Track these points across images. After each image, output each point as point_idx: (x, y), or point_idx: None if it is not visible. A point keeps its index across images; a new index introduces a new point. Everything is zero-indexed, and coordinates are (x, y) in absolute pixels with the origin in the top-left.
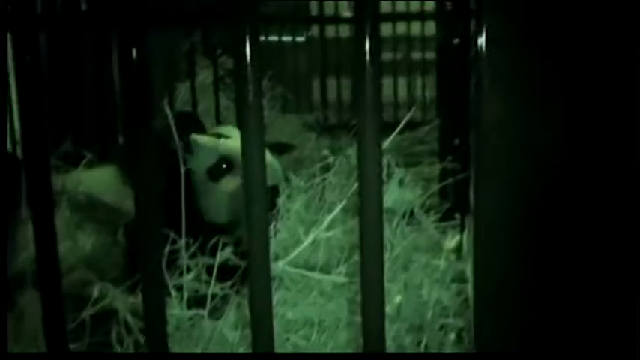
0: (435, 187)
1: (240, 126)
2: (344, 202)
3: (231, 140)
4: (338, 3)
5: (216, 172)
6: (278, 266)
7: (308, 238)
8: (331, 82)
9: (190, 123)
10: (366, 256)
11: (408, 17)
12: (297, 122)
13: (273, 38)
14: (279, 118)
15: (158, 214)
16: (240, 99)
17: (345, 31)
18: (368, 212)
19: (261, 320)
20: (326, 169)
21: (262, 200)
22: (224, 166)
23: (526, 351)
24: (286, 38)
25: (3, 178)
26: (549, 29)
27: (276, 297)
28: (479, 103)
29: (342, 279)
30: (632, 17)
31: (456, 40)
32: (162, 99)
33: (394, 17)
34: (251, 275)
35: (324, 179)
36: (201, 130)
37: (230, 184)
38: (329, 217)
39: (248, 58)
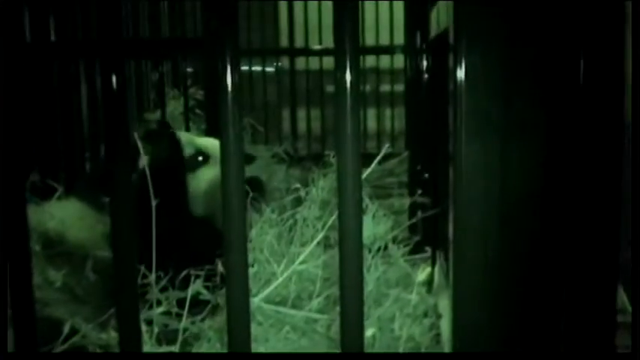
0: (407, 222)
1: (222, 154)
2: (320, 236)
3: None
4: (307, 35)
5: (192, 164)
6: (253, 302)
7: (281, 272)
8: (301, 113)
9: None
10: (345, 289)
11: (377, 51)
12: (267, 154)
13: (243, 68)
14: (249, 149)
15: (134, 248)
16: (221, 128)
17: (314, 62)
18: (347, 244)
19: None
20: (297, 200)
21: (242, 230)
22: (200, 158)
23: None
24: (256, 68)
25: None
26: (529, 65)
27: None
28: (457, 137)
29: (317, 315)
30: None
31: (425, 75)
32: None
33: (364, 51)
34: (229, 304)
35: (295, 213)
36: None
37: (205, 174)
38: (305, 251)
39: (229, 88)
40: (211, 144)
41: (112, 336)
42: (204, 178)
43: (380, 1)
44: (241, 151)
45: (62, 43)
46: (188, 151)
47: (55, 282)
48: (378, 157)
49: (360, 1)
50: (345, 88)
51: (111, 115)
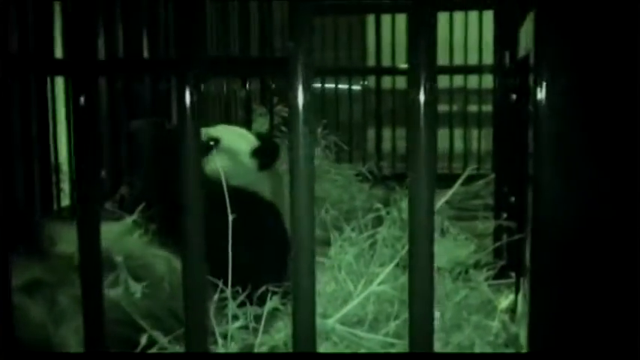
0: (490, 246)
1: (291, 174)
2: (399, 257)
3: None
4: (395, 54)
5: (202, 150)
6: (328, 324)
7: (359, 292)
8: (386, 133)
9: None
10: (414, 313)
11: (465, 70)
12: (350, 172)
13: (330, 87)
14: (333, 168)
15: (204, 265)
16: (291, 147)
17: (401, 82)
18: (417, 267)
19: None
20: (378, 220)
21: (311, 251)
22: (211, 143)
23: None
24: (342, 87)
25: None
26: (608, 86)
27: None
28: (537, 161)
29: (394, 340)
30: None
31: (514, 95)
32: None
33: (452, 70)
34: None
35: (375, 233)
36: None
37: (215, 161)
38: (383, 272)
39: (300, 107)
40: (218, 130)
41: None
42: (213, 164)
43: (469, 20)
44: (312, 174)
45: (125, 61)
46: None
47: (135, 293)
48: (461, 179)
49: (436, 18)
50: (419, 107)
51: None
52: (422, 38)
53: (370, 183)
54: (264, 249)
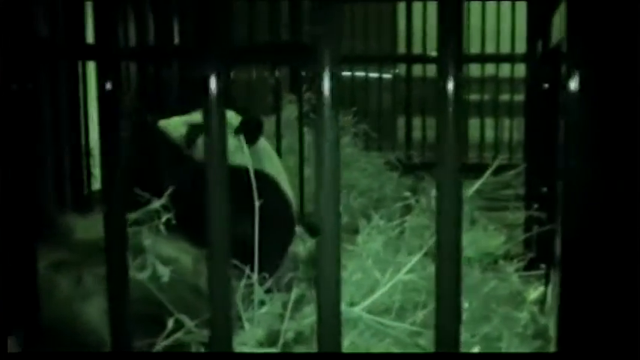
0: (520, 236)
1: (317, 161)
2: (426, 247)
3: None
4: (426, 42)
5: (189, 140)
6: (354, 312)
7: (386, 281)
8: (416, 121)
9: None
10: (442, 303)
11: (497, 59)
12: (379, 161)
13: (360, 74)
14: (362, 156)
15: (228, 248)
16: (317, 134)
17: (432, 70)
18: (445, 256)
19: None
20: (407, 209)
21: (336, 238)
22: (195, 132)
23: None
24: (373, 75)
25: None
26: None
27: (347, 341)
28: (568, 151)
29: (421, 329)
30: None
31: (546, 84)
32: None
33: (484, 58)
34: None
35: (403, 221)
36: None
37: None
38: (411, 261)
39: (327, 93)
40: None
41: None
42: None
43: (502, 8)
44: (338, 163)
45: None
46: (182, 131)
47: (163, 277)
48: (491, 169)
49: (465, 4)
50: (447, 96)
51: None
52: (451, 26)
53: (399, 172)
54: (270, 227)
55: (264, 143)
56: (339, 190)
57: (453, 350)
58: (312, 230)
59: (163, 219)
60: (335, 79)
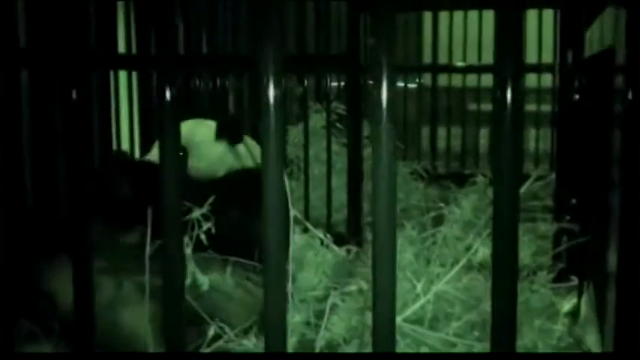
0: (550, 248)
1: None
2: (466, 258)
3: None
4: (452, 52)
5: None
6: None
7: (420, 291)
8: (441, 131)
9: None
10: (497, 318)
11: (524, 69)
12: (405, 170)
13: None
14: None
15: (283, 255)
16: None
17: (457, 80)
18: (501, 267)
19: None
20: (436, 220)
21: (392, 248)
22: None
23: None
24: (398, 85)
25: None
26: None
27: None
28: (625, 161)
29: (457, 340)
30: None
31: (577, 95)
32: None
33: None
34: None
35: (436, 232)
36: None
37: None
38: (450, 272)
39: (384, 104)
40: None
41: (253, 342)
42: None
43: (528, 19)
44: (393, 172)
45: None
46: None
47: (203, 285)
48: (530, 181)
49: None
50: (505, 108)
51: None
52: (510, 34)
53: (425, 182)
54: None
55: (251, 143)
56: (395, 202)
57: None
58: (340, 239)
59: (204, 228)
60: (392, 90)
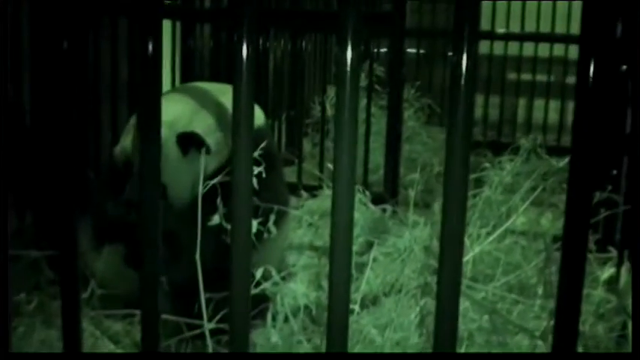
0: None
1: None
2: (511, 221)
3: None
4: (494, 19)
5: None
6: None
7: (468, 250)
8: (478, 99)
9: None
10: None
11: (567, 40)
12: (441, 136)
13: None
14: (424, 130)
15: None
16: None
17: (498, 48)
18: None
19: None
20: (475, 182)
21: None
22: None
23: None
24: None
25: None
26: None
27: (422, 303)
28: None
29: (500, 293)
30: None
31: (624, 66)
32: (314, 99)
33: (537, 38)
34: None
35: (478, 192)
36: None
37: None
38: (496, 232)
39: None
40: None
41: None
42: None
43: None
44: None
45: None
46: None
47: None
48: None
49: None
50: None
51: None
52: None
53: None
54: None
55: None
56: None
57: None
58: (377, 198)
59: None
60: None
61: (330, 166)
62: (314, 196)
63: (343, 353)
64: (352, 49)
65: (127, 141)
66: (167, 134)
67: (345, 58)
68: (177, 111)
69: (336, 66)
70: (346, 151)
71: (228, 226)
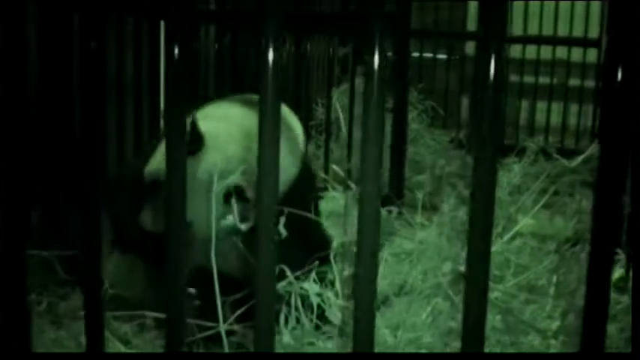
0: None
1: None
2: (523, 222)
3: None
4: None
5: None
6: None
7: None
8: None
9: None
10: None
11: (569, 42)
12: (444, 139)
13: (428, 55)
14: (427, 133)
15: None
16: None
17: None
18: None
19: None
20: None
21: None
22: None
23: None
24: (440, 55)
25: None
26: None
27: (433, 303)
28: None
29: (514, 292)
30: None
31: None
32: (317, 101)
33: (554, 41)
34: None
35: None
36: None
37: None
38: (511, 232)
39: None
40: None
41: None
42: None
43: None
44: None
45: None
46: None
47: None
48: (586, 154)
49: None
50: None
51: None
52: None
53: (465, 150)
54: None
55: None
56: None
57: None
58: (382, 200)
59: None
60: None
61: (335, 167)
62: (319, 197)
63: (370, 353)
64: (379, 53)
65: (156, 164)
66: (212, 181)
67: (373, 62)
68: (229, 150)
69: (364, 69)
70: (372, 155)
71: (242, 227)
